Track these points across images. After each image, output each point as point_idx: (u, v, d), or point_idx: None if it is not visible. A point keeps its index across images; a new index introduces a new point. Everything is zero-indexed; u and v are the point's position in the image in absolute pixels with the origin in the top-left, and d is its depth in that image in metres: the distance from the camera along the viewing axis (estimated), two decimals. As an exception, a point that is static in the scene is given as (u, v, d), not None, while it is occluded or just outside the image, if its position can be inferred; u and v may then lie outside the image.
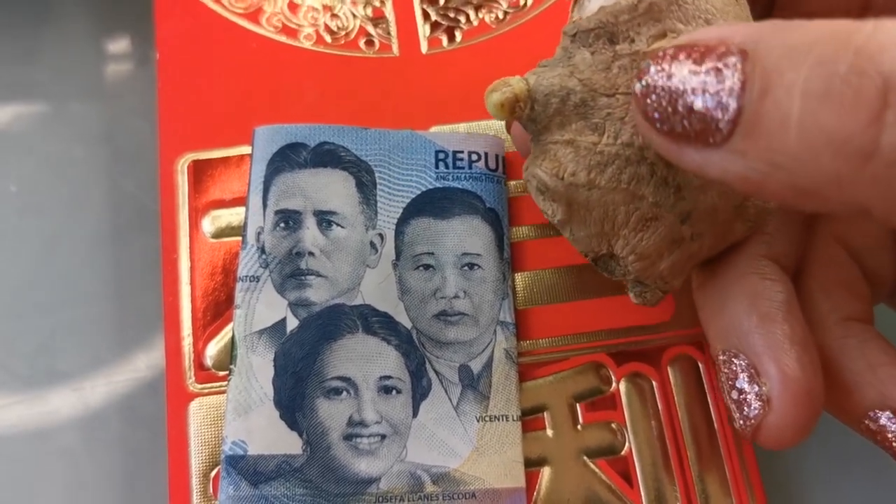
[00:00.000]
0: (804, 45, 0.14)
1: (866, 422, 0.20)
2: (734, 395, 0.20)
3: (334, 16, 0.29)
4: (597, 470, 0.24)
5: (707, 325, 0.21)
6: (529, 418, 0.24)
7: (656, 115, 0.16)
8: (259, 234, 0.25)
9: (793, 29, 0.14)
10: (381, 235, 0.25)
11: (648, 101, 0.16)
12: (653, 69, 0.16)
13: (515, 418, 0.24)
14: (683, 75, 0.15)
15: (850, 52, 0.13)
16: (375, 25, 0.29)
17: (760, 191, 0.15)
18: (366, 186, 0.25)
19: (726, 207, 0.20)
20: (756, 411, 0.19)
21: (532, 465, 0.24)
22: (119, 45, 0.32)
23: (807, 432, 0.19)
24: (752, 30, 0.15)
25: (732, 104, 0.14)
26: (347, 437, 0.23)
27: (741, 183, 0.15)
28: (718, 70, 0.15)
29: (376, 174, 0.25)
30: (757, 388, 0.19)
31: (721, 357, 0.20)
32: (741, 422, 0.19)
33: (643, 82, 0.16)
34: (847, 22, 0.14)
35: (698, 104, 0.15)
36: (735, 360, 0.20)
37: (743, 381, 0.19)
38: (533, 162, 0.20)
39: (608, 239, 0.20)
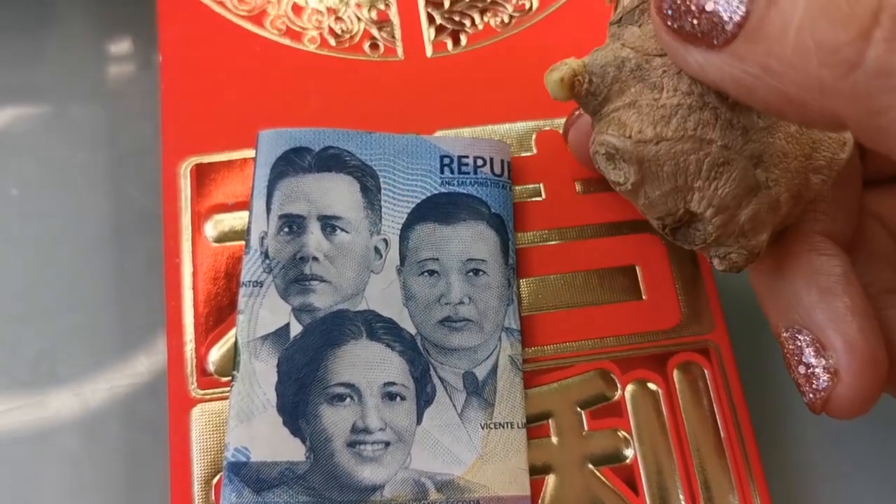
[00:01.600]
0: None
1: None
2: (801, 370, 0.20)
3: (339, 19, 0.29)
4: (602, 477, 0.24)
5: (766, 303, 0.22)
6: (534, 425, 0.24)
7: (670, 12, 0.17)
8: (263, 238, 0.24)
9: None
10: (385, 241, 0.25)
11: None
12: None
13: (520, 425, 0.24)
14: None
15: None
16: (380, 29, 0.28)
17: (750, 95, 0.16)
18: (370, 191, 0.25)
19: (797, 155, 0.20)
20: (825, 384, 0.20)
21: (537, 472, 0.23)
22: (122, 47, 0.32)
23: (874, 400, 0.20)
24: None
25: (741, 9, 0.16)
26: (351, 444, 0.23)
27: (734, 86, 0.16)
28: None
29: (381, 179, 0.25)
30: (824, 362, 0.20)
31: (784, 334, 0.21)
32: (811, 395, 0.20)
33: None
34: None
35: (710, 6, 0.16)
36: (799, 336, 0.20)
37: (809, 356, 0.20)
38: (598, 133, 0.20)
39: (683, 195, 0.20)
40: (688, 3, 0.17)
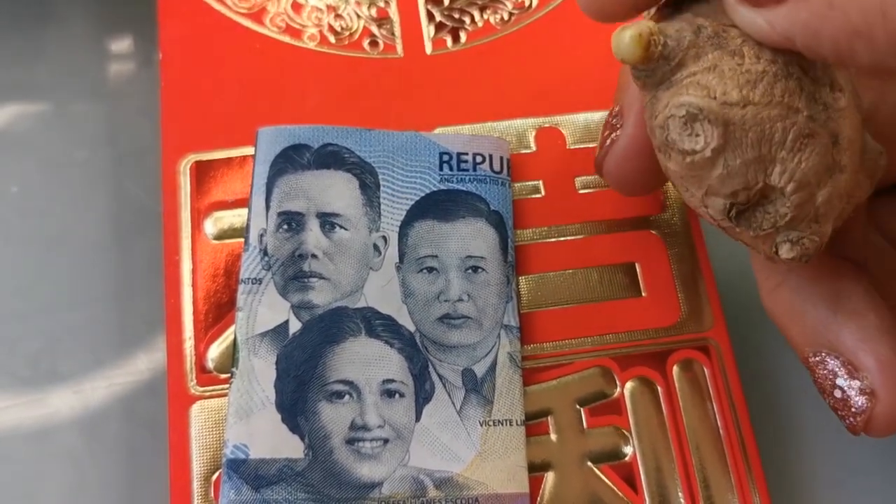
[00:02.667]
0: None
1: None
2: (837, 393, 0.20)
3: (338, 16, 0.29)
4: (601, 475, 0.24)
5: (789, 330, 0.21)
6: (533, 423, 0.24)
7: None
8: (262, 235, 0.24)
9: None
10: (384, 238, 0.25)
11: None
12: None
13: (519, 423, 0.24)
14: None
15: None
16: (380, 26, 0.28)
17: (818, 39, 0.16)
18: (369, 188, 0.25)
19: (858, 146, 0.19)
20: (863, 405, 0.19)
21: (536, 469, 0.23)
22: (122, 45, 0.32)
23: None
24: None
25: None
26: (350, 442, 0.23)
27: (803, 33, 0.16)
28: None
29: (380, 176, 0.25)
30: (858, 383, 0.19)
31: (813, 359, 0.20)
32: (850, 419, 0.20)
33: None
34: None
35: None
36: (829, 360, 0.20)
37: (843, 380, 0.20)
38: (674, 96, 0.19)
39: (765, 165, 0.19)
40: None
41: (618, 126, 0.23)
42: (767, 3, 0.16)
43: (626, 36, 0.18)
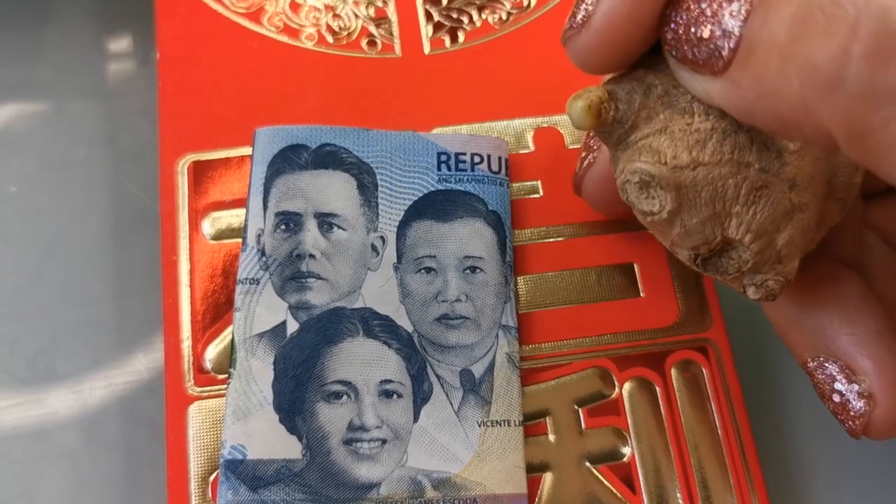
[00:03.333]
0: None
1: None
2: (836, 398, 0.20)
3: (336, 16, 0.28)
4: (599, 476, 0.24)
5: (787, 335, 0.21)
6: (531, 423, 0.24)
7: (672, 41, 0.17)
8: (259, 236, 0.24)
9: None
10: (382, 238, 0.25)
11: (668, 28, 0.17)
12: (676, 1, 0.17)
13: (517, 423, 0.24)
14: (700, 5, 0.16)
15: None
16: (378, 26, 0.28)
17: (751, 120, 0.16)
18: (367, 188, 0.25)
19: (821, 179, 0.19)
20: (862, 409, 0.19)
21: (534, 470, 0.23)
22: (121, 44, 0.32)
23: None
24: None
25: (736, 33, 0.15)
26: (347, 442, 0.23)
27: (737, 112, 0.16)
28: (730, 1, 0.16)
29: (378, 176, 0.25)
30: (857, 387, 0.20)
31: (811, 364, 0.20)
32: (849, 423, 0.20)
33: (667, 11, 0.17)
34: None
35: (706, 32, 0.16)
36: (827, 365, 0.20)
37: (842, 384, 0.20)
38: (628, 161, 0.19)
39: (721, 221, 0.19)
40: (688, 31, 0.16)
41: (595, 147, 0.23)
42: (702, 72, 0.16)
43: (578, 106, 0.19)
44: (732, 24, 0.15)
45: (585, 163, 0.24)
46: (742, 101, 0.16)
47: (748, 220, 0.19)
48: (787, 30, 0.14)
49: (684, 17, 0.17)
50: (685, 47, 0.16)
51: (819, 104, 0.14)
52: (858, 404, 0.19)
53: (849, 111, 0.14)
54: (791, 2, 0.14)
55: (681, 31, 0.17)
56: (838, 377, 0.20)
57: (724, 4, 0.16)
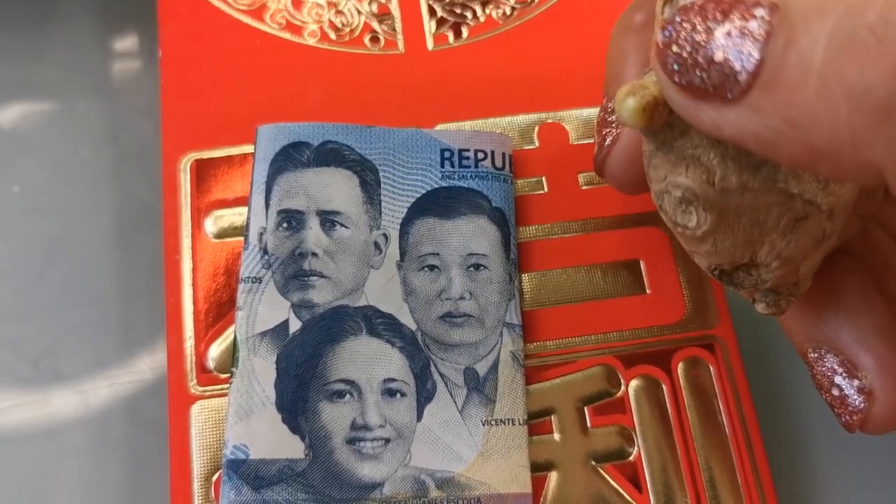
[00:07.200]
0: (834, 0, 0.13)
1: None
2: (834, 391, 0.20)
3: (339, 12, 0.28)
4: (605, 475, 0.23)
5: (789, 326, 0.21)
6: (536, 422, 0.24)
7: (675, 66, 0.15)
8: (261, 234, 0.24)
9: None
10: (385, 236, 0.24)
11: (669, 52, 0.15)
12: (678, 19, 0.15)
13: (522, 422, 0.23)
14: (708, 25, 0.15)
15: (878, 1, 0.13)
16: (381, 22, 0.28)
17: (773, 151, 0.15)
18: (370, 186, 0.25)
19: (853, 202, 0.18)
20: (860, 405, 0.19)
21: (539, 469, 0.23)
22: (125, 43, 0.32)
23: None
24: None
25: (755, 55, 0.14)
26: (351, 441, 0.23)
27: (755, 143, 0.15)
28: (745, 20, 0.14)
29: (381, 173, 0.25)
30: (857, 382, 0.19)
31: (812, 355, 0.20)
32: (847, 418, 0.20)
33: (666, 32, 0.15)
34: None
35: (719, 55, 0.14)
36: (828, 357, 0.20)
37: (841, 378, 0.20)
38: (672, 171, 0.18)
39: (753, 247, 0.18)
40: (695, 54, 0.15)
41: (615, 123, 0.22)
42: (711, 100, 0.15)
43: (630, 106, 0.16)
44: (750, 46, 0.14)
45: (608, 141, 0.22)
46: (764, 129, 0.14)
47: (780, 248, 0.18)
48: (825, 50, 0.13)
49: (689, 38, 0.15)
50: (692, 72, 0.15)
51: (869, 134, 0.13)
52: (857, 400, 0.19)
53: None
54: (823, 20, 0.13)
55: (685, 55, 0.15)
56: (839, 371, 0.20)
57: (738, 22, 0.14)
